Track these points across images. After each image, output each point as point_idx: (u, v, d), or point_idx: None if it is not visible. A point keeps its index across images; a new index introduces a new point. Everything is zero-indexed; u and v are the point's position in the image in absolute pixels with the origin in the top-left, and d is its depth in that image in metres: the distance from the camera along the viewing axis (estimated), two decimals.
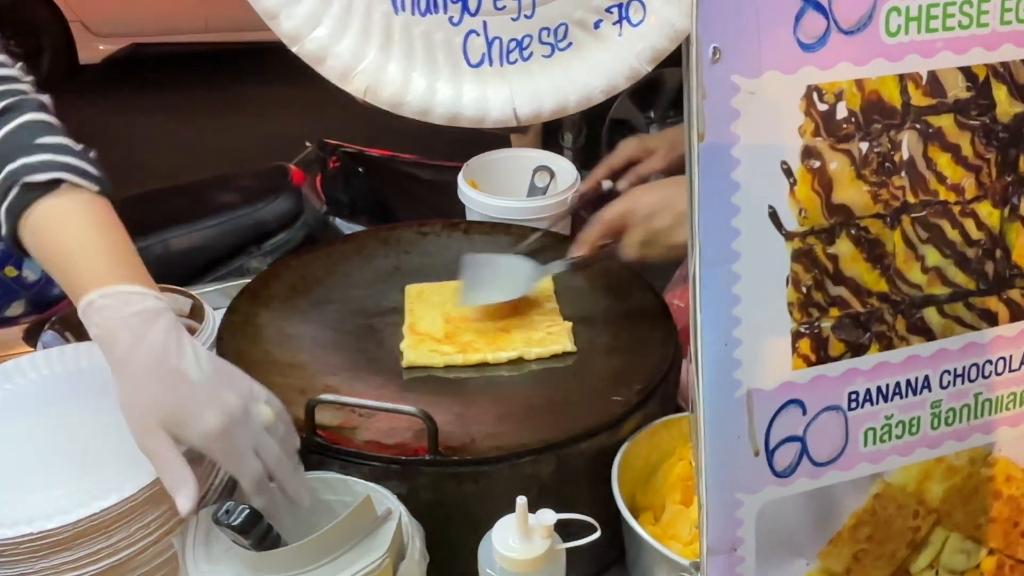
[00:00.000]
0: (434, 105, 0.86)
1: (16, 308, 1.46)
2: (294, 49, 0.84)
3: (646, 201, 1.08)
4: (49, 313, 1.40)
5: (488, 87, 0.87)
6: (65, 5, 5.25)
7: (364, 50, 0.86)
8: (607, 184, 1.32)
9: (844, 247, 0.61)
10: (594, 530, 0.86)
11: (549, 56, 0.88)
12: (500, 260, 1.18)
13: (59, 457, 0.88)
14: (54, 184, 0.87)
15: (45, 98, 0.96)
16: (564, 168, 1.55)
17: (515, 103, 0.87)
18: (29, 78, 0.99)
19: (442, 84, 0.86)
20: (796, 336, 0.62)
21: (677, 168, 1.29)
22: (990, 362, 0.66)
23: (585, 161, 1.63)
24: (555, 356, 1.08)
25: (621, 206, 1.10)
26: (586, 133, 2.12)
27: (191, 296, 1.19)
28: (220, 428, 0.78)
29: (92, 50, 5.40)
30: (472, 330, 1.11)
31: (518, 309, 1.14)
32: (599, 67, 0.89)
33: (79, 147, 0.94)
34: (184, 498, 0.77)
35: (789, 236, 0.60)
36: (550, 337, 1.08)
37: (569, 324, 1.11)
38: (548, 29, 0.87)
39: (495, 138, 1.51)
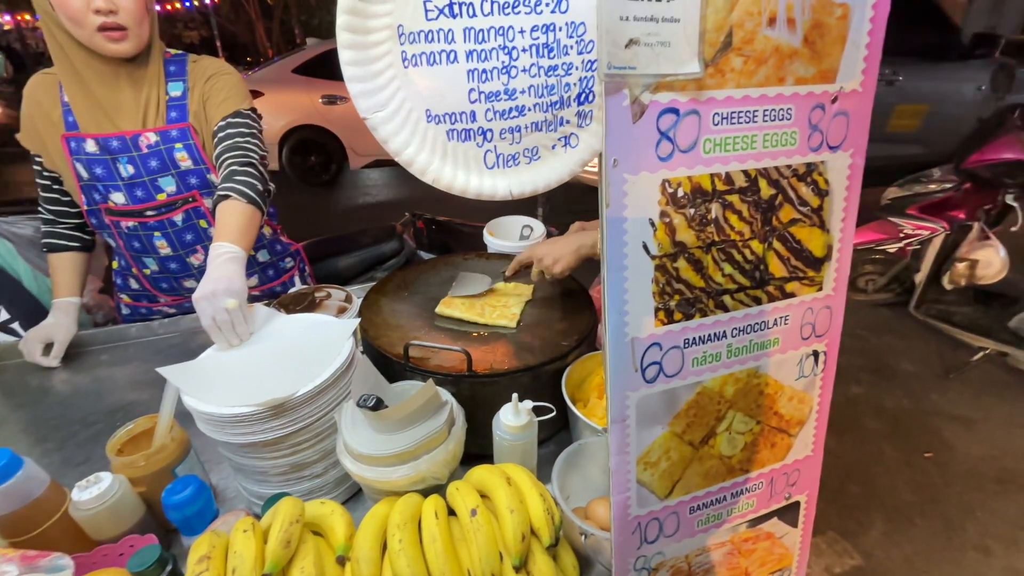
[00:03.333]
0: (468, 189, 0.86)
1: (251, 281, 1.38)
2: (397, 159, 0.83)
3: (538, 251, 1.09)
4: (267, 287, 1.38)
5: (497, 179, 0.87)
6: (344, 138, 5.38)
7: (431, 159, 0.85)
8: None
9: (682, 263, 0.60)
10: (552, 411, 0.86)
11: (529, 163, 0.88)
12: (475, 277, 1.18)
13: (270, 368, 0.87)
14: (226, 196, 1.03)
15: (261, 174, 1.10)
16: (538, 225, 1.53)
17: (510, 187, 0.86)
18: (267, 178, 1.08)
19: (473, 177, 0.86)
20: (656, 310, 0.61)
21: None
22: (759, 324, 0.65)
23: (549, 222, 1.61)
24: (533, 322, 1.07)
25: (526, 252, 1.12)
26: (550, 207, 2.11)
27: (345, 291, 1.19)
28: (195, 299, 0.87)
29: (356, 161, 5.52)
30: (476, 306, 1.10)
31: (503, 299, 1.12)
32: (554, 169, 0.88)
33: (260, 186, 1.09)
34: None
35: (653, 257, 0.59)
36: (506, 318, 1.07)
37: (518, 311, 1.09)
38: (528, 149, 0.87)
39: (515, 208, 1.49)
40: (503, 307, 1.11)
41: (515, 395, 0.82)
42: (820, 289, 0.66)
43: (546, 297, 1.15)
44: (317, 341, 0.90)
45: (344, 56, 0.81)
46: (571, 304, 1.13)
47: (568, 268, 1.05)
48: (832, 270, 0.66)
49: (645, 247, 0.58)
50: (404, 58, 0.82)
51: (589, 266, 1.11)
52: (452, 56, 0.83)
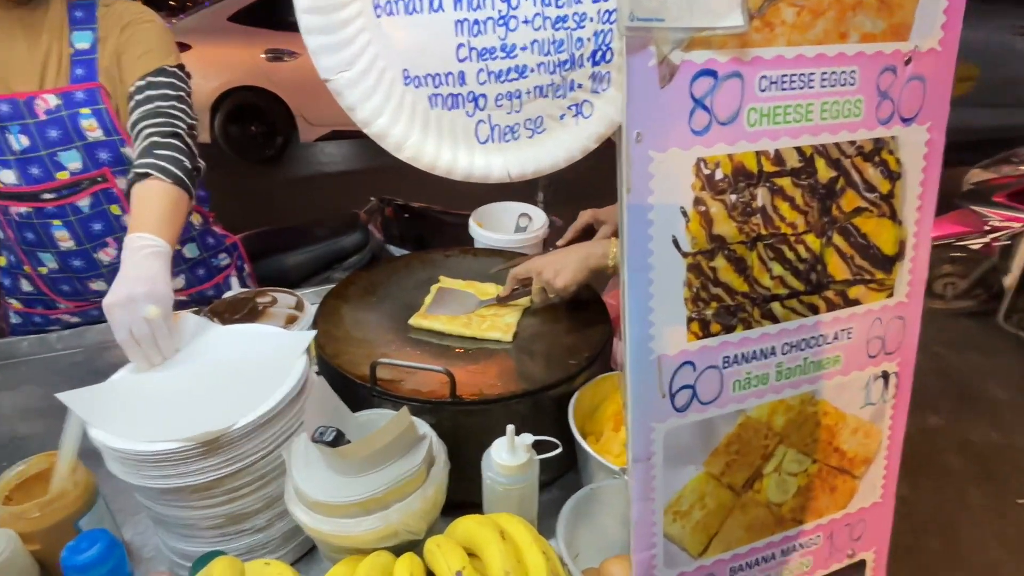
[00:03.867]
0: (456, 168, 0.86)
1: (177, 282, 1.38)
2: (365, 131, 0.83)
3: (537, 264, 1.10)
4: (196, 290, 1.37)
5: (491, 157, 0.87)
6: (292, 104, 5.40)
7: (409, 131, 0.85)
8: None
9: (720, 262, 0.61)
10: (557, 447, 0.86)
11: (531, 137, 0.88)
12: (457, 293, 1.19)
13: (202, 395, 0.86)
14: (145, 175, 1.03)
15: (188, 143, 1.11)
16: (538, 215, 1.55)
17: (508, 167, 0.86)
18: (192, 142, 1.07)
19: (461, 154, 0.86)
20: (689, 320, 0.61)
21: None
22: (814, 338, 0.66)
23: (552, 210, 1.63)
24: (533, 334, 1.08)
25: (524, 267, 1.12)
26: (553, 190, 2.12)
27: (295, 295, 1.19)
28: (106, 305, 0.87)
29: (308, 132, 5.53)
30: (461, 315, 1.11)
31: (495, 307, 1.14)
32: (563, 144, 0.88)
33: (188, 162, 1.09)
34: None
35: (685, 255, 0.59)
36: (498, 329, 1.08)
37: (514, 321, 1.10)
38: (530, 120, 0.87)
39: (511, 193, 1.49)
40: (495, 316, 1.12)
41: (510, 427, 0.83)
42: (891, 295, 0.67)
43: (549, 305, 1.15)
44: (260, 359, 0.90)
45: (301, 1, 0.81)
46: (580, 313, 1.13)
47: (574, 282, 1.06)
48: (906, 271, 0.67)
49: (675, 242, 0.58)
50: (376, 5, 0.82)
51: (603, 278, 1.12)
52: (436, 3, 0.83)
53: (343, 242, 1.90)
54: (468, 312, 1.14)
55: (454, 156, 0.86)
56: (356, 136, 5.64)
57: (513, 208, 1.58)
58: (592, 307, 1.14)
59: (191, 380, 0.87)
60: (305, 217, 2.11)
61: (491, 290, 1.21)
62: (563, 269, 1.06)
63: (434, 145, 0.85)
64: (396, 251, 2.01)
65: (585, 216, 1.31)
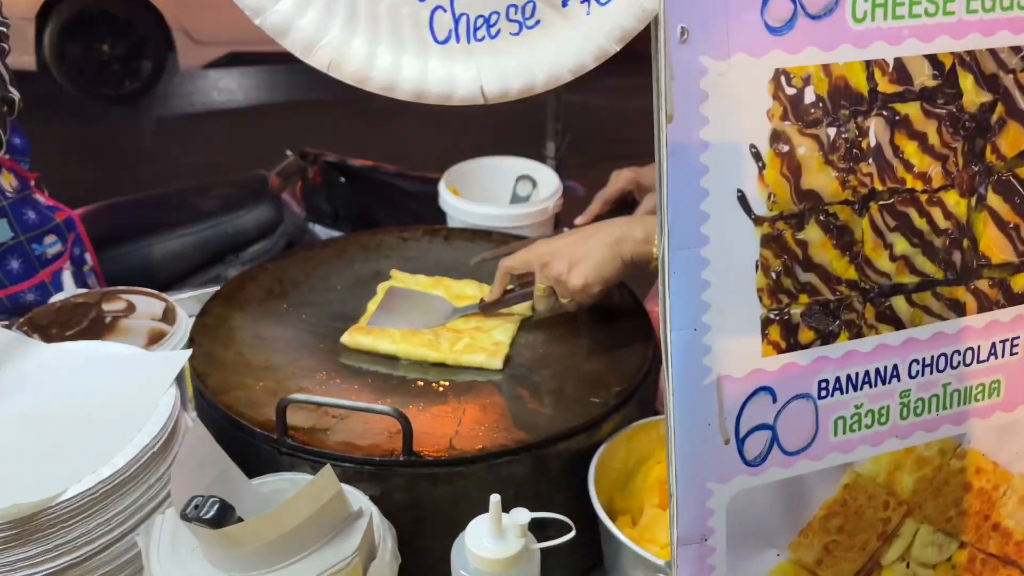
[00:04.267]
0: (399, 81, 0.86)
1: None
2: (257, 22, 0.83)
3: (540, 251, 1.11)
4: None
5: (455, 64, 0.86)
6: (168, 12, 5.41)
7: (328, 23, 0.85)
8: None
9: (813, 233, 0.62)
10: (570, 530, 0.87)
11: (517, 34, 0.87)
12: (418, 296, 1.21)
13: (15, 450, 0.86)
14: None
15: None
16: (546, 177, 1.56)
17: (482, 81, 0.86)
18: None
19: (408, 60, 0.85)
20: (766, 323, 0.62)
21: None
22: (959, 352, 0.67)
23: (568, 170, 1.64)
24: (535, 359, 1.09)
25: (520, 256, 1.13)
26: (570, 139, 2.12)
27: (163, 299, 1.20)
28: None
29: (192, 58, 5.55)
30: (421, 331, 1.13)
31: (476, 319, 1.16)
32: (567, 46, 0.88)
33: None
34: None
35: (758, 221, 0.60)
36: (482, 350, 1.09)
37: (506, 338, 1.12)
38: (515, 6, 0.87)
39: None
40: (477, 332, 1.13)
41: (495, 499, 0.83)
42: None
43: (560, 314, 1.16)
44: (105, 396, 0.90)
45: None
46: (609, 327, 1.14)
47: (598, 280, 1.07)
48: None
49: (743, 202, 0.59)
50: None
51: (646, 276, 1.13)
52: None
53: (241, 220, 1.91)
54: (435, 325, 1.15)
55: (396, 62, 0.85)
56: (267, 60, 5.68)
57: (507, 167, 1.60)
58: (627, 318, 1.15)
59: None
60: (183, 182, 2.12)
61: (471, 291, 1.22)
62: (582, 260, 1.07)
63: (365, 43, 0.85)
64: (324, 232, 2.01)
65: (621, 179, 1.32)
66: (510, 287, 1.16)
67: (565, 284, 1.08)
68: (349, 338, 1.11)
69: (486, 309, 1.16)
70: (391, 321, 1.14)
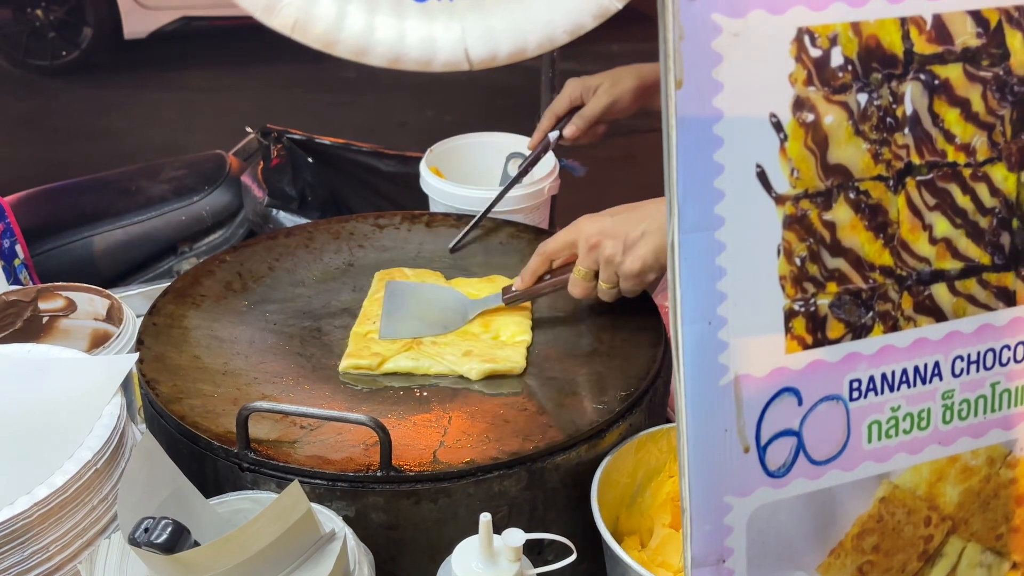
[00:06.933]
0: (373, 44, 0.85)
1: None
2: None
3: (588, 231, 1.09)
4: None
5: (436, 25, 0.86)
6: None
7: None
8: (554, 135, 1.41)
9: (842, 213, 0.61)
10: (570, 553, 0.87)
11: None
12: (427, 291, 1.20)
13: None
14: None
15: None
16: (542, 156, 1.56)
17: (467, 43, 0.86)
18: None
19: (382, 20, 0.85)
20: (789, 315, 0.62)
21: (621, 106, 1.38)
22: (1008, 347, 0.67)
23: (570, 150, 1.64)
24: (531, 360, 1.09)
25: (564, 237, 1.13)
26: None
27: (108, 296, 1.19)
28: None
29: (139, 23, 5.52)
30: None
31: (490, 320, 1.16)
32: (562, 3, 0.88)
33: None
34: None
35: (780, 200, 0.60)
36: (503, 353, 1.10)
37: (527, 332, 1.13)
38: None
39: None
40: (491, 331, 1.13)
41: (486, 518, 0.84)
42: None
43: (561, 306, 1.17)
44: (42, 405, 0.91)
45: None
46: (613, 322, 1.15)
47: (660, 267, 1.05)
48: None
49: (763, 178, 0.59)
50: None
51: None
52: None
53: (195, 206, 1.90)
54: (455, 327, 1.14)
55: (368, 22, 0.85)
56: (224, 25, 5.64)
57: (497, 144, 1.60)
58: (634, 313, 1.16)
59: None
60: (128, 164, 2.11)
61: (467, 289, 1.22)
62: (639, 242, 1.05)
63: (334, 2, 0.85)
64: (289, 220, 2.01)
65: (569, 89, 1.38)
66: (545, 275, 1.15)
67: (618, 268, 1.07)
68: (347, 364, 1.09)
69: (513, 301, 1.16)
70: (406, 328, 1.13)
